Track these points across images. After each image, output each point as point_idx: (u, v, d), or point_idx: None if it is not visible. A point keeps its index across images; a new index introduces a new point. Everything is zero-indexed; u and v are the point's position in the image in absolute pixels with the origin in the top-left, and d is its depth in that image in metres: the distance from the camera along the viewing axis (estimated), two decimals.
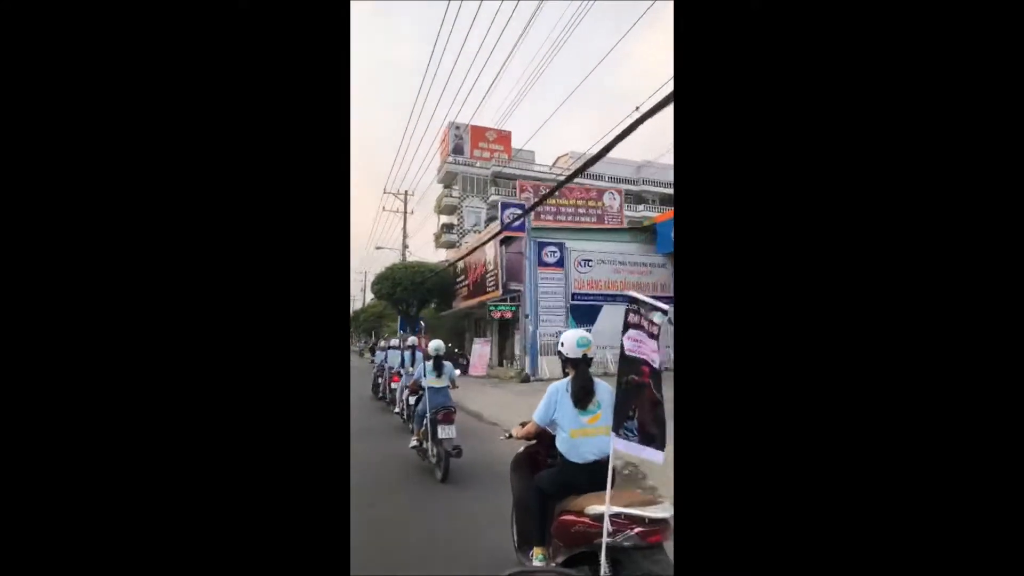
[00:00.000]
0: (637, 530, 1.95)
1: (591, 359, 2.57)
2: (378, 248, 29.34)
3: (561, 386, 2.54)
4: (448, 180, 32.69)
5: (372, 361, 15.97)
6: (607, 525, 1.96)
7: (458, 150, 31.62)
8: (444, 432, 4.84)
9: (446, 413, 4.98)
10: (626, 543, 1.95)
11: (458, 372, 5.93)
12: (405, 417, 7.42)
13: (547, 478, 2.51)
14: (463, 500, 4.30)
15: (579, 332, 2.63)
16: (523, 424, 2.84)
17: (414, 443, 5.35)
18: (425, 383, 5.31)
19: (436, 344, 5.58)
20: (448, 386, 5.38)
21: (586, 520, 2.12)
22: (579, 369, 2.53)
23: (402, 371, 8.10)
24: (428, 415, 5.04)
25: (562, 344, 2.61)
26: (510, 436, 2.86)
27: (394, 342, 10.72)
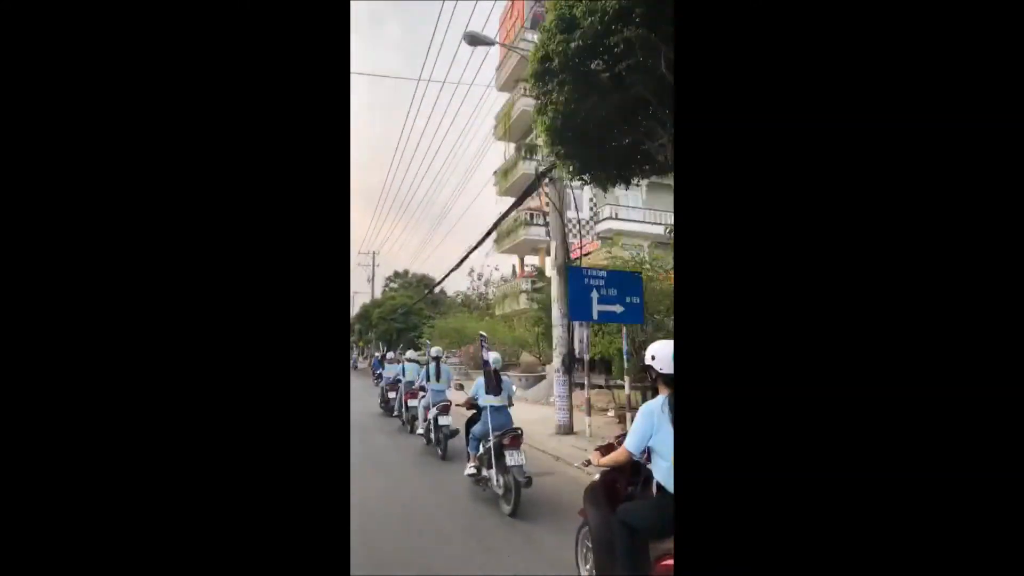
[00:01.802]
0: None
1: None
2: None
3: (657, 407, 2.16)
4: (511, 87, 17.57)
5: (378, 375, 14.25)
6: None
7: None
8: (513, 459, 4.30)
9: (513, 437, 4.46)
10: None
11: (516, 388, 5.47)
12: (431, 439, 6.85)
13: (638, 513, 2.19)
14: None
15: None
16: (601, 448, 2.50)
17: (471, 470, 4.81)
18: (483, 401, 4.85)
19: (495, 356, 5.13)
20: (507, 404, 4.92)
21: None
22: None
23: (425, 386, 7.51)
24: (492, 438, 4.58)
25: (652, 357, 2.23)
26: (588, 464, 2.52)
27: (410, 354, 10.29)
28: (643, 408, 2.19)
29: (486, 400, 4.81)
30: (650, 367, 2.24)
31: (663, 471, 2.10)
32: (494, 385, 4.85)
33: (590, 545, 2.53)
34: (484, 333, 5.48)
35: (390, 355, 13.49)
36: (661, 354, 2.19)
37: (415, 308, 25.82)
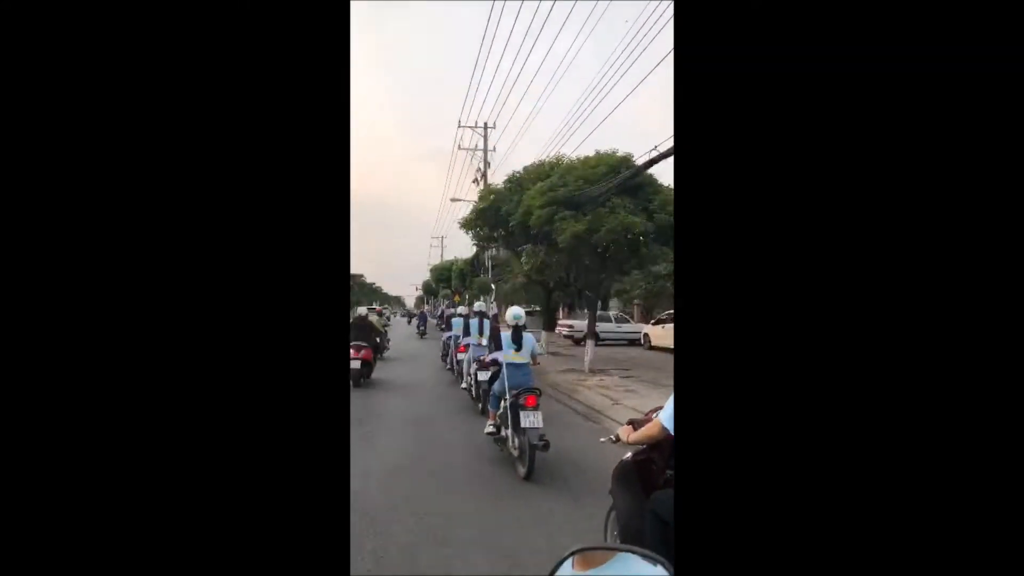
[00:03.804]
0: None
1: None
2: (454, 200, 22.57)
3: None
4: None
5: (441, 328, 16.29)
6: None
7: None
8: (528, 420, 4.18)
9: (529, 396, 4.32)
10: None
11: (540, 347, 5.31)
12: (474, 395, 6.93)
13: (670, 502, 1.91)
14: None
15: None
16: (632, 422, 2.32)
17: (490, 429, 4.74)
18: (503, 358, 4.73)
19: (516, 311, 4.96)
20: (529, 362, 4.76)
21: None
22: None
23: (469, 341, 7.60)
24: (508, 397, 4.48)
25: None
26: (616, 440, 2.33)
27: (461, 309, 10.68)
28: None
29: (505, 356, 4.69)
30: None
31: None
32: (515, 342, 4.72)
33: (617, 533, 2.36)
34: (492, 286, 5.33)
35: (450, 310, 14.00)
36: None
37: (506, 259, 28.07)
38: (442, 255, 42.80)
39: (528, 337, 4.80)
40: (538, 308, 28.49)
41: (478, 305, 7.73)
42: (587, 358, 10.99)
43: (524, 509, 3.60)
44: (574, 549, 1.00)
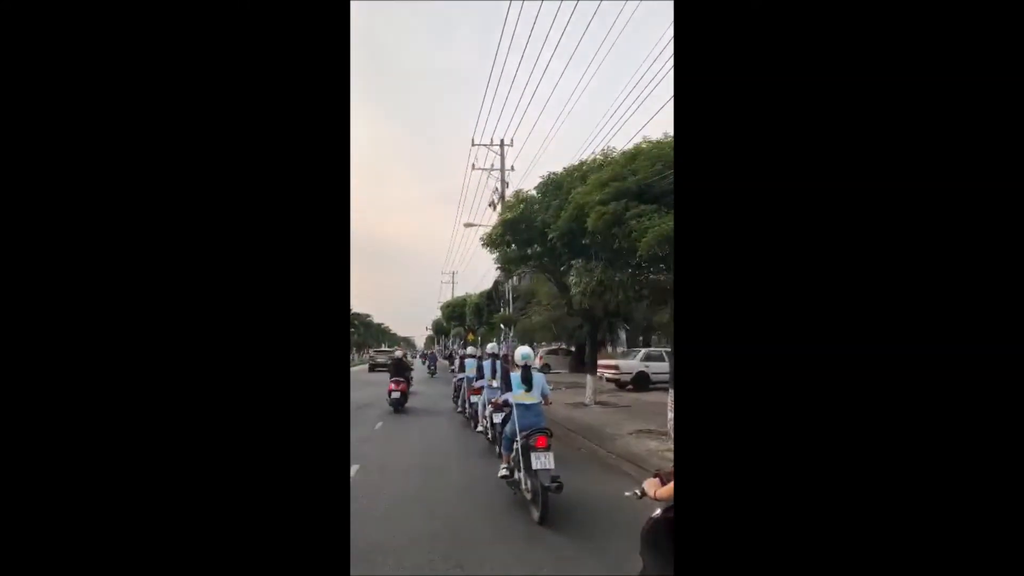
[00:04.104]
0: None
1: None
2: (467, 225, 20.70)
3: None
4: None
5: (452, 370, 15.80)
6: None
7: None
8: (539, 461, 4.14)
9: (540, 436, 4.29)
10: None
11: (551, 387, 5.30)
12: (490, 438, 6.85)
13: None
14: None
15: None
16: (660, 475, 2.06)
17: (503, 472, 4.68)
18: (513, 399, 4.72)
19: (524, 351, 4.97)
20: (540, 402, 4.75)
21: None
22: None
23: (484, 384, 7.54)
24: (519, 439, 4.46)
25: None
26: (641, 495, 2.13)
27: (470, 349, 10.70)
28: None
29: (516, 397, 4.68)
30: None
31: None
32: (525, 382, 4.72)
33: None
34: (503, 326, 5.37)
35: (460, 351, 13.97)
36: None
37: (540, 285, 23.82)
38: (453, 291, 41.89)
39: (538, 376, 4.80)
40: (563, 346, 26.18)
41: (490, 347, 7.74)
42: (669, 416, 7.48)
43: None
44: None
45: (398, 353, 12.45)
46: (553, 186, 9.87)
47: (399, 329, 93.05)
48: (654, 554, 2.07)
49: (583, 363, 25.67)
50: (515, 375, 4.82)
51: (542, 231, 9.51)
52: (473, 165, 19.18)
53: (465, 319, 33.63)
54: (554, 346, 26.13)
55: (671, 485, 1.94)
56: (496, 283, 24.41)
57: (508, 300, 21.28)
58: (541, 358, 23.53)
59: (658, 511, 2.15)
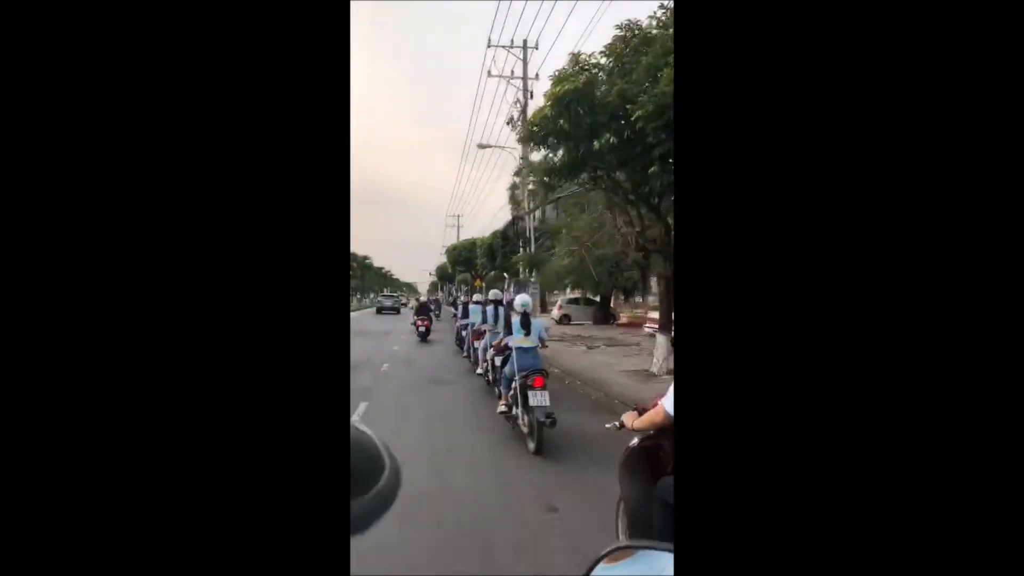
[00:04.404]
0: None
1: None
2: (482, 146, 17.25)
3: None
4: None
5: (454, 315, 15.75)
6: None
7: None
8: (535, 399, 4.54)
9: (537, 376, 4.68)
10: None
11: (546, 327, 5.67)
12: (490, 380, 7.26)
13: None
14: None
15: None
16: (637, 408, 2.32)
17: (502, 408, 5.13)
18: (512, 343, 5.09)
19: (523, 299, 5.29)
20: (537, 346, 5.12)
21: None
22: None
23: (485, 328, 7.98)
24: (517, 379, 4.86)
25: None
26: (620, 427, 2.35)
27: (476, 296, 11.07)
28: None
29: (515, 341, 5.05)
30: None
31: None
32: (524, 327, 5.08)
33: (626, 524, 2.37)
34: (506, 275, 5.67)
35: (462, 297, 14.31)
36: None
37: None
38: (458, 235, 39.55)
39: (536, 322, 5.14)
40: (588, 295, 22.75)
41: (492, 293, 8.12)
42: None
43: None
44: (609, 548, 1.02)
45: (421, 298, 16.18)
46: (637, 41, 6.68)
47: (401, 274, 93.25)
48: (630, 479, 2.31)
49: (609, 316, 22.80)
50: (515, 320, 5.17)
51: (612, 116, 6.70)
52: (489, 71, 15.53)
53: (471, 265, 31.35)
54: (575, 295, 23.53)
55: (647, 415, 2.15)
56: (515, 219, 20.77)
57: (530, 238, 17.71)
58: (560, 307, 22.30)
59: (635, 440, 2.38)
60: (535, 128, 7.51)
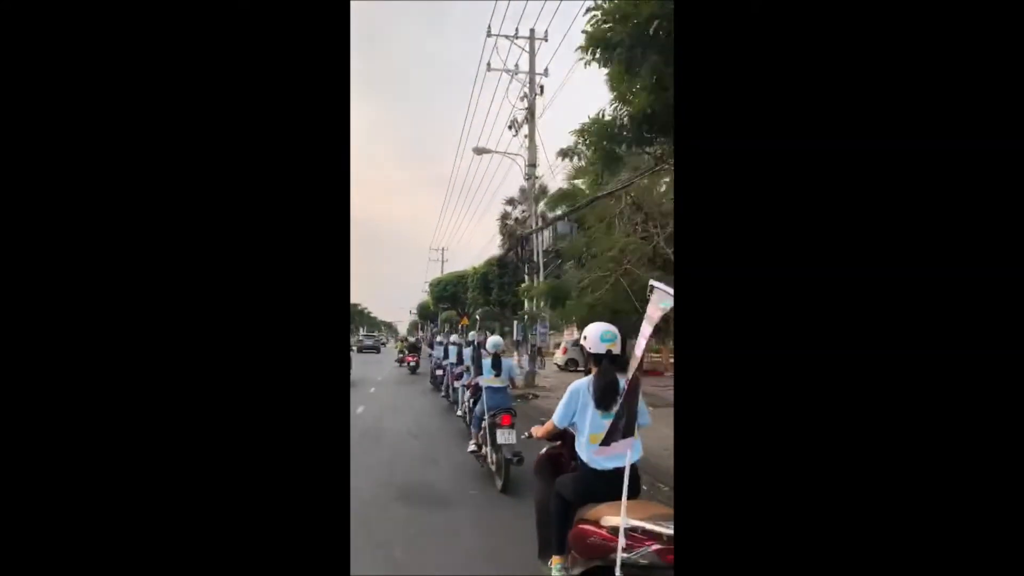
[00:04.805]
0: (654, 547, 1.84)
1: (617, 355, 2.43)
2: (479, 151, 14.47)
3: (583, 385, 2.46)
4: None
5: (430, 356, 15.19)
6: (622, 539, 1.88)
7: None
8: (503, 437, 4.80)
9: (505, 415, 4.95)
10: (642, 560, 1.85)
11: (520, 372, 5.96)
12: (468, 422, 7.31)
13: (567, 484, 2.45)
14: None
15: (604, 325, 2.50)
16: (542, 420, 2.78)
17: (472, 448, 5.40)
18: (483, 382, 5.38)
19: (495, 340, 5.62)
20: (507, 386, 5.41)
21: (602, 532, 2.05)
22: (602, 367, 2.42)
23: (463, 369, 7.94)
24: (486, 418, 5.12)
25: (584, 337, 2.52)
26: (530, 436, 2.83)
27: (453, 337, 10.84)
28: (571, 386, 2.48)
29: (485, 381, 5.34)
30: (581, 346, 2.55)
31: (582, 446, 2.40)
32: (494, 367, 5.37)
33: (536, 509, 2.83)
34: (478, 316, 6.00)
35: (439, 338, 14.45)
36: (591, 335, 2.48)
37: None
38: (442, 269, 35.86)
39: (507, 362, 5.45)
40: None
41: (472, 335, 8.40)
42: None
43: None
44: None
45: (410, 338, 23.25)
46: None
47: (380, 313, 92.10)
48: (538, 477, 2.83)
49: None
50: (486, 361, 5.47)
51: None
52: (488, 64, 12.98)
53: (457, 301, 28.05)
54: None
55: (544, 427, 2.66)
56: (520, 238, 16.06)
57: (538, 262, 13.79)
58: (565, 350, 18.52)
59: (544, 449, 2.93)
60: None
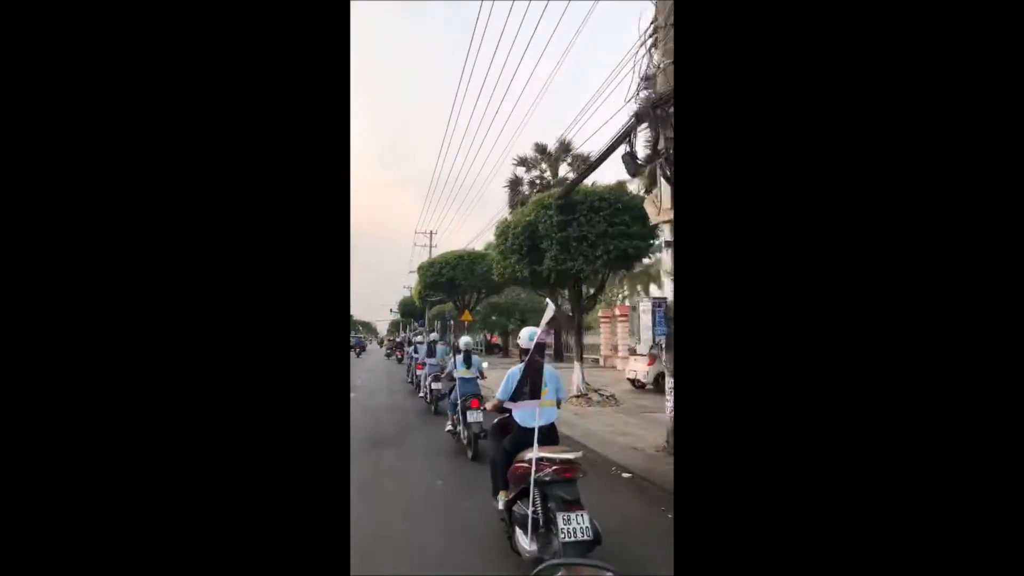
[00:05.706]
0: (554, 468, 3.02)
1: (543, 347, 3.64)
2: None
3: (517, 370, 3.63)
4: None
5: (411, 355, 17.11)
6: (533, 466, 3.05)
7: None
8: (472, 416, 6.04)
9: (474, 399, 6.20)
10: (547, 478, 3.02)
11: (486, 364, 7.18)
12: (428, 401, 9.60)
13: (510, 440, 3.63)
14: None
15: (531, 328, 3.73)
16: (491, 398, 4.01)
17: (449, 428, 6.65)
18: (456, 374, 6.61)
19: (466, 340, 6.86)
20: (476, 376, 6.64)
21: (524, 464, 3.22)
22: (530, 357, 3.60)
23: (426, 361, 10.31)
24: (459, 403, 6.33)
25: (520, 338, 3.75)
26: (484, 409, 4.09)
27: (419, 338, 13.91)
28: (509, 371, 3.62)
29: (458, 373, 6.58)
30: (518, 344, 3.74)
31: (516, 413, 3.61)
32: (465, 362, 6.59)
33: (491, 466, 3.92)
34: (452, 320, 7.23)
35: (419, 337, 15.86)
36: (523, 335, 3.73)
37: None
38: (430, 254, 27.63)
39: (475, 358, 6.67)
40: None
41: (432, 335, 9.94)
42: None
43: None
44: (546, 564, 1.13)
45: (399, 338, 25.37)
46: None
47: (359, 312, 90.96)
48: (494, 442, 3.88)
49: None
50: (459, 356, 6.68)
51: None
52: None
53: (456, 289, 21.13)
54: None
55: (490, 403, 3.80)
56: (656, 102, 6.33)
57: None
58: (652, 360, 11.49)
59: (496, 419, 3.99)
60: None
